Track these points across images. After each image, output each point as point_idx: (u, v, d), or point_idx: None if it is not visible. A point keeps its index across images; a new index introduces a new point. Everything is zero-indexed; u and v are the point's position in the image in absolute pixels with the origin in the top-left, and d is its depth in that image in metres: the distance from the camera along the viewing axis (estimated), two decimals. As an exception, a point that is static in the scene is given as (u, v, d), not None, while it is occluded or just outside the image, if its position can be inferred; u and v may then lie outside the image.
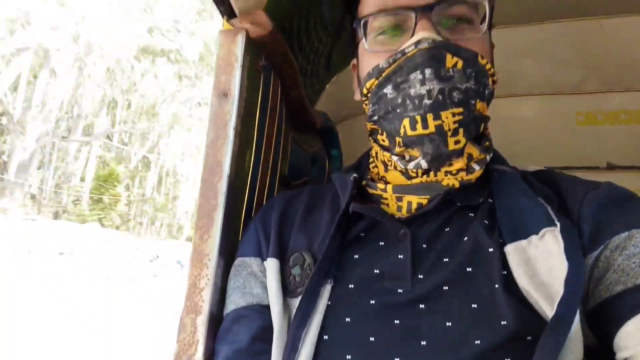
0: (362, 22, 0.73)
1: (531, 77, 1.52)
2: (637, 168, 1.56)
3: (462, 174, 0.70)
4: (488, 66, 0.69)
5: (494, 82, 0.71)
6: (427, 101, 0.64)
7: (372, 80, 0.71)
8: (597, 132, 1.54)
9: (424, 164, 0.69)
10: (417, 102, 0.65)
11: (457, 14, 0.69)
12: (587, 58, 1.40)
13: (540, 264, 0.61)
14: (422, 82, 0.64)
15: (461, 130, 0.66)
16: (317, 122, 1.22)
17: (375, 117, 0.73)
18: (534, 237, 0.63)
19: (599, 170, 1.55)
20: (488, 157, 0.73)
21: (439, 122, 0.65)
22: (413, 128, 0.66)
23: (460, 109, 0.65)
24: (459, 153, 0.68)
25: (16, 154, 17.63)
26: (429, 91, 0.64)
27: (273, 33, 0.89)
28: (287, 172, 1.06)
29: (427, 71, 0.64)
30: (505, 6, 1.20)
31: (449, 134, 0.65)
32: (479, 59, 0.67)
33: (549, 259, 0.61)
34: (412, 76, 0.65)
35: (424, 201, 0.70)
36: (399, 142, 0.70)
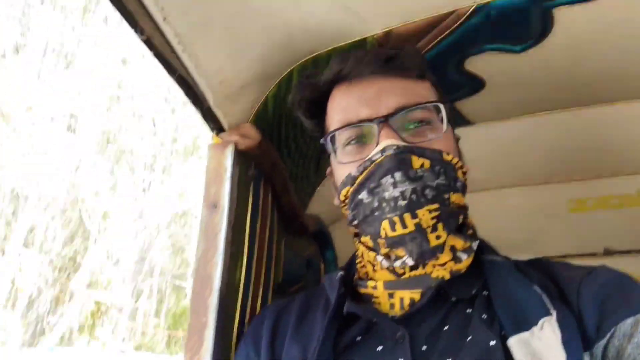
0: (329, 138, 0.77)
1: (518, 169, 1.55)
2: (635, 252, 1.54)
3: (451, 264, 0.70)
4: (455, 160, 0.72)
5: (464, 173, 0.75)
6: (401, 202, 0.67)
7: (347, 188, 0.74)
8: (590, 218, 1.54)
9: (410, 262, 0.69)
10: (392, 204, 0.67)
11: (417, 119, 0.74)
12: (568, 147, 1.44)
13: (545, 356, 0.59)
14: (394, 185, 0.67)
15: (440, 225, 0.67)
16: (309, 226, 1.21)
17: (356, 222, 0.74)
18: (535, 329, 0.62)
19: (596, 256, 1.53)
20: (474, 245, 0.73)
21: (416, 220, 0.66)
22: (393, 229, 0.67)
23: (436, 205, 0.67)
24: (442, 247, 0.69)
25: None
26: (402, 192, 0.67)
27: (261, 143, 0.92)
28: (282, 279, 1.04)
29: (397, 174, 0.67)
30: (484, 104, 1.25)
31: (429, 230, 0.67)
32: (444, 155, 0.71)
33: (552, 351, 0.59)
34: (383, 180, 0.68)
35: (417, 296, 0.69)
36: (382, 244, 0.71)
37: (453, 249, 0.70)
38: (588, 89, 1.21)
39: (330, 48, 0.93)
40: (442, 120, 0.75)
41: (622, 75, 1.15)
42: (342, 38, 0.91)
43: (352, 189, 0.73)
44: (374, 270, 0.75)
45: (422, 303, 0.68)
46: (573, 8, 0.88)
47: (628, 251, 1.55)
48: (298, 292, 1.06)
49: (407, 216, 0.66)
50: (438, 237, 0.67)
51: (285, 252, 1.08)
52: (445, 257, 0.70)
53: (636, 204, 1.53)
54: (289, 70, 0.95)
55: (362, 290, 0.74)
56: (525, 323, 0.63)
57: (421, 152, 0.69)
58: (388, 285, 0.71)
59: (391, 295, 0.71)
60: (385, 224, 0.68)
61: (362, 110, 0.74)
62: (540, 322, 0.62)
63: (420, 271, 0.70)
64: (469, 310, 0.68)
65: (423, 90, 0.77)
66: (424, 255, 0.68)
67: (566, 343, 0.58)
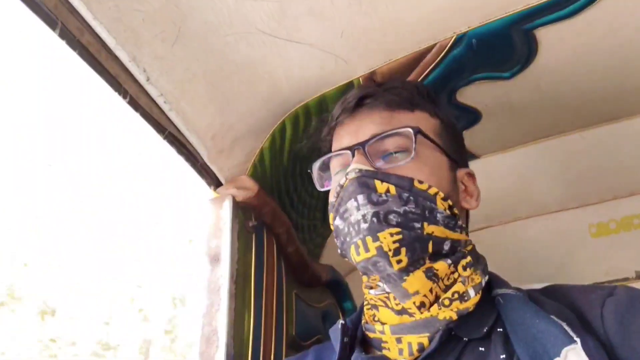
0: (316, 166, 0.81)
1: (531, 198, 1.51)
2: (670, 272, 1.47)
3: (456, 303, 0.66)
4: (433, 190, 0.70)
5: (451, 206, 0.71)
6: (363, 225, 0.66)
7: (331, 215, 0.74)
8: (615, 241, 1.48)
9: (387, 288, 0.68)
10: (356, 227, 0.67)
11: (394, 146, 0.73)
12: (579, 170, 1.40)
13: None
14: (358, 208, 0.67)
15: (403, 250, 0.65)
16: (322, 276, 1.19)
17: (341, 252, 0.74)
18: None
19: (629, 280, 1.45)
20: (483, 281, 0.69)
21: (378, 243, 0.65)
22: (357, 253, 0.66)
23: (398, 229, 0.66)
24: (405, 271, 0.66)
25: None
26: (364, 215, 0.66)
27: (259, 194, 0.92)
28: (296, 332, 1.01)
29: (360, 197, 0.67)
30: (485, 136, 1.24)
31: (390, 254, 0.65)
32: (416, 183, 0.69)
33: None
34: (349, 204, 0.68)
35: (425, 340, 0.65)
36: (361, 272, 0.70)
37: (430, 270, 0.67)
38: (587, 108, 1.20)
39: (318, 94, 0.95)
40: (424, 147, 0.74)
41: (618, 90, 1.13)
42: (328, 84, 0.93)
43: (332, 217, 0.74)
44: (378, 310, 0.72)
45: (431, 348, 0.64)
46: (555, 27, 0.87)
47: None
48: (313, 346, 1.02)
49: (369, 239, 0.65)
50: (399, 262, 0.65)
51: (298, 304, 1.05)
52: (417, 279, 0.66)
53: (661, 222, 1.47)
54: (281, 120, 0.97)
55: (371, 335, 0.71)
56: (545, 357, 0.58)
57: (385, 178, 0.69)
58: (394, 330, 0.68)
59: (399, 340, 0.67)
60: (352, 249, 0.67)
61: (345, 141, 0.77)
62: (563, 353, 0.57)
63: (425, 314, 0.67)
64: (481, 349, 0.64)
65: (405, 119, 0.76)
66: (389, 279, 0.67)
67: None
